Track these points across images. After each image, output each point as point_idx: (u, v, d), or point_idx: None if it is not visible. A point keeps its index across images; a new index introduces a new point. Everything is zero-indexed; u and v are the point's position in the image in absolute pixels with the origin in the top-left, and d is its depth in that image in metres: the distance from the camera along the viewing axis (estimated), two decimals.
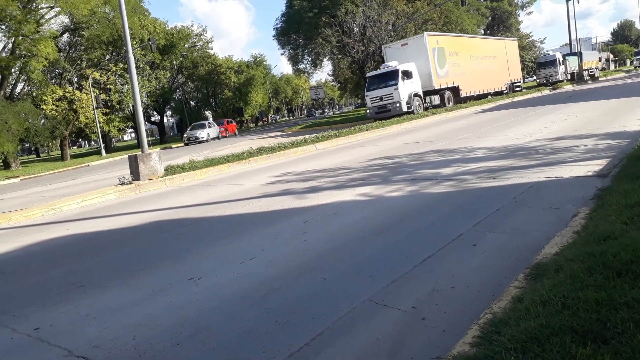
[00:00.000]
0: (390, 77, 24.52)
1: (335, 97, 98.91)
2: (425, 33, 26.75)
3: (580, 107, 15.85)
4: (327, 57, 47.18)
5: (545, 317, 2.19)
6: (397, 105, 23.69)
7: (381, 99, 24.35)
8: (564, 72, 44.10)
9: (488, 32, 67.01)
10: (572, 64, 46.23)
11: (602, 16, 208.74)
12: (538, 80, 46.25)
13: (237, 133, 44.74)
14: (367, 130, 18.08)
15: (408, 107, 23.97)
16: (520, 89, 36.29)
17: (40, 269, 5.23)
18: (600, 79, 44.12)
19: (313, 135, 17.45)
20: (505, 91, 33.73)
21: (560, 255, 2.99)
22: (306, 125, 37.84)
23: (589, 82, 41.20)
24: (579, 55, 47.69)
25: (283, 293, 3.52)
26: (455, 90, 27.98)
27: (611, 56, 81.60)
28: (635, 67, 59.84)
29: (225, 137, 40.00)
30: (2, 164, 33.52)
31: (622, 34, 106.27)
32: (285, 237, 4.99)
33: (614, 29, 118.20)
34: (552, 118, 13.48)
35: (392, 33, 38.38)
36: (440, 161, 8.67)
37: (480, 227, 4.40)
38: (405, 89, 24.22)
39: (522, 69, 48.75)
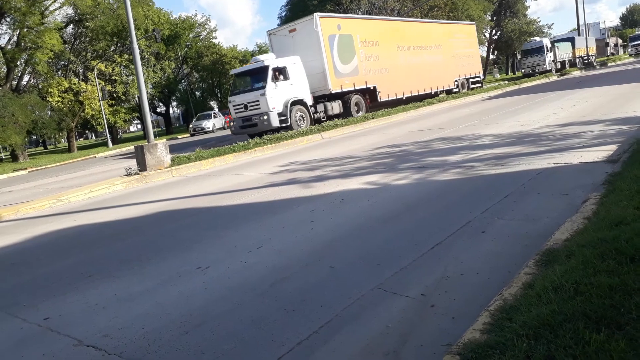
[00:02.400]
0: (258, 78, 17.47)
1: None
2: (317, 14, 18.73)
3: (589, 93, 15.66)
4: None
5: (557, 303, 2.16)
6: (265, 117, 16.65)
7: (246, 107, 17.15)
8: (553, 61, 40.26)
9: (495, 18, 66.32)
10: (563, 50, 42.91)
11: (610, 0, 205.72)
12: (523, 70, 41.91)
13: None
14: (373, 118, 17.97)
15: (282, 121, 16.99)
16: (479, 85, 29.49)
17: (50, 259, 5.26)
18: (609, 64, 43.46)
19: (318, 125, 17.37)
20: (456, 89, 26.87)
21: (571, 241, 2.95)
22: None
23: (597, 67, 40.53)
24: (572, 41, 45.08)
25: (291, 282, 3.51)
26: (370, 92, 20.90)
27: (620, 41, 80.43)
28: (631, 55, 53.33)
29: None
30: (10, 156, 33.67)
31: (632, 19, 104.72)
32: (292, 226, 4.97)
33: (622, 14, 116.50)
34: (560, 104, 13.34)
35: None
36: (447, 148, 8.61)
37: (489, 214, 4.36)
38: (279, 95, 17.02)
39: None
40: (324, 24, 18.62)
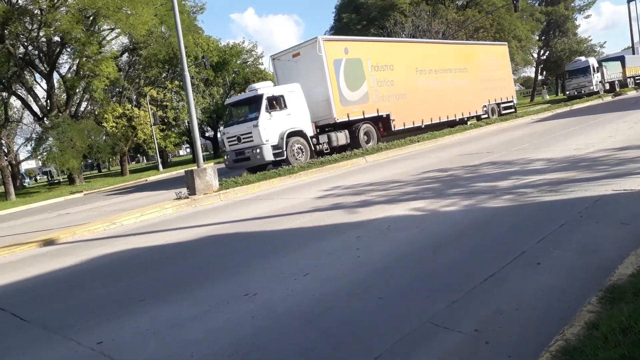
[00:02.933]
0: (251, 108, 16.32)
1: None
2: (320, 37, 17.28)
3: None
4: None
5: (627, 347, 2.02)
6: (257, 151, 15.26)
7: (239, 139, 15.76)
8: (600, 82, 37.90)
9: (543, 37, 64.85)
10: (612, 70, 40.44)
11: None
12: (568, 92, 39.25)
13: None
14: (418, 142, 17.80)
15: (277, 154, 15.61)
16: (512, 110, 27.07)
17: (104, 282, 5.43)
18: None
19: (362, 149, 17.35)
20: (485, 115, 24.73)
21: (638, 277, 2.78)
22: None
23: None
24: (622, 60, 42.81)
25: (338, 312, 3.46)
26: (383, 120, 19.26)
27: None
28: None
29: None
30: (67, 179, 35.38)
31: None
32: (338, 253, 4.94)
33: None
34: (615, 127, 12.78)
35: None
36: (497, 173, 8.38)
37: (544, 244, 4.18)
38: (274, 126, 15.74)
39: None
40: (328, 47, 17.37)
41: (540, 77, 70.25)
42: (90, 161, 61.46)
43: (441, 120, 21.92)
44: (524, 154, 10.23)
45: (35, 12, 28.30)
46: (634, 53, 45.13)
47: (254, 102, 16.10)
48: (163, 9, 31.33)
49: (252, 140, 15.54)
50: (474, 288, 3.47)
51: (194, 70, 40.69)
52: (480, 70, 25.00)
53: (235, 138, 16.12)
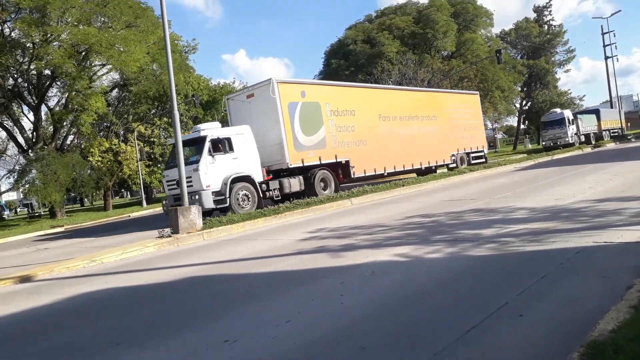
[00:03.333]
0: (194, 150, 15.33)
1: None
2: (274, 78, 16.60)
3: (625, 167, 15.36)
4: None
5: None
6: (196, 197, 14.05)
7: (177, 184, 13.28)
8: (576, 134, 38.33)
9: (525, 89, 66.94)
10: (587, 123, 41.06)
11: None
12: (544, 143, 39.82)
13: None
14: (403, 186, 17.97)
15: (219, 201, 14.55)
16: (483, 160, 26.52)
17: (80, 323, 5.28)
18: None
19: (348, 190, 17.45)
20: (453, 164, 24.30)
21: (619, 333, 2.80)
22: None
23: (632, 140, 39.94)
24: (597, 113, 43.48)
25: None
26: (343, 167, 18.36)
27: None
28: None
29: None
30: (48, 212, 34.76)
31: None
32: (321, 299, 4.89)
33: None
34: (595, 178, 13.10)
35: None
36: (481, 221, 8.47)
37: (527, 295, 4.20)
38: (218, 170, 14.71)
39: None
40: (283, 90, 16.59)
41: (522, 127, 72.13)
42: (73, 195, 60.65)
43: (406, 168, 21.30)
44: (507, 202, 10.38)
45: (28, 45, 28.56)
46: (611, 107, 46.68)
47: (197, 144, 15.16)
48: (155, 48, 31.83)
49: (191, 186, 14.15)
50: (457, 339, 3.45)
51: (183, 107, 40.99)
52: (450, 119, 24.69)
53: (174, 182, 14.52)
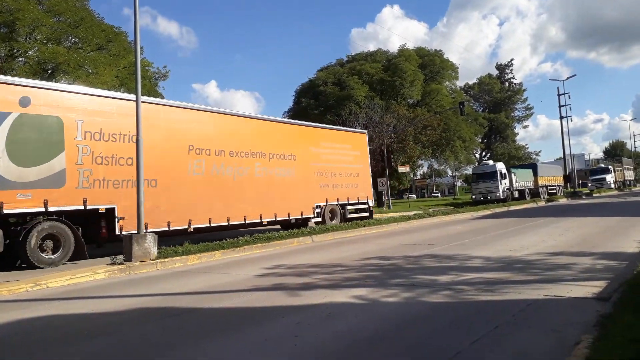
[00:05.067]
0: None
1: None
2: None
3: (577, 223, 16.02)
4: None
5: None
6: None
7: None
8: (508, 188, 36.90)
9: (485, 140, 69.68)
10: (523, 178, 40.01)
11: (595, 134, 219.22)
12: (473, 197, 38.12)
13: None
14: (364, 226, 18.12)
15: None
16: (367, 214, 21.75)
17: (17, 354, 4.96)
18: (594, 194, 44.95)
19: (309, 227, 17.42)
20: (318, 219, 19.40)
21: None
22: None
23: (584, 197, 41.78)
24: (534, 168, 43.07)
25: None
26: (107, 217, 12.81)
27: None
28: (591, 190, 51.31)
29: None
30: None
31: (614, 153, 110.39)
32: (275, 340, 4.78)
33: (606, 148, 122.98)
34: (548, 231, 13.58)
35: (393, 135, 39.83)
36: (437, 267, 8.59)
37: (479, 345, 4.25)
38: None
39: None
40: None
41: None
42: None
43: (231, 222, 15.84)
44: (464, 250, 10.59)
45: None
46: (565, 164, 48.82)
47: None
48: (125, 72, 31.55)
49: None
50: None
51: None
52: (317, 161, 19.61)
53: None
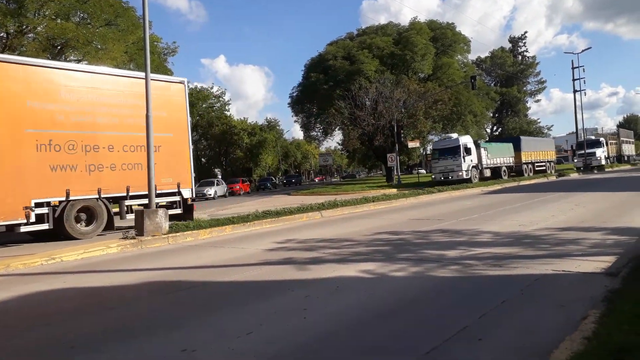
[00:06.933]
0: None
1: (343, 164, 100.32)
2: None
3: (588, 198, 15.90)
4: (338, 127, 48.39)
5: None
6: None
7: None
8: (475, 166, 31.26)
9: (497, 115, 68.87)
10: (498, 154, 34.55)
11: (610, 108, 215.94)
12: (433, 177, 32.32)
13: (250, 191, 47.90)
14: (373, 202, 18.15)
15: None
16: (179, 210, 14.69)
17: (33, 324, 5.09)
18: (607, 169, 44.41)
19: (319, 202, 17.49)
20: (42, 226, 11.84)
21: None
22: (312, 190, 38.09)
23: (595, 171, 41.28)
24: (516, 142, 37.51)
25: None
26: None
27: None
28: (578, 168, 43.92)
29: (240, 194, 43.11)
30: None
31: (628, 127, 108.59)
32: (284, 313, 4.86)
33: (619, 122, 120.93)
34: (559, 206, 13.50)
35: (403, 110, 39.46)
36: (446, 242, 8.60)
37: (486, 319, 4.28)
38: None
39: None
40: None
41: None
42: None
43: None
44: (473, 225, 10.58)
45: (1, 34, 27.76)
46: (577, 139, 48.12)
47: None
48: (134, 47, 31.39)
49: None
50: (418, 359, 3.49)
51: None
52: (53, 125, 12.26)
53: None
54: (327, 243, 9.38)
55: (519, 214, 12.46)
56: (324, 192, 31.18)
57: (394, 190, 27.09)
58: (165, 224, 11.55)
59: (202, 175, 49.85)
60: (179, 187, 14.68)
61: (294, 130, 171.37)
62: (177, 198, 14.73)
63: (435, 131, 47.91)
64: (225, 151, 61.35)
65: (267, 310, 4.99)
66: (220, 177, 53.80)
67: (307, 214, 14.99)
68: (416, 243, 8.77)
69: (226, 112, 58.06)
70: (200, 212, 19.41)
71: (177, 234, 11.38)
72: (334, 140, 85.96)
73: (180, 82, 15.46)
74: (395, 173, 38.55)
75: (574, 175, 37.37)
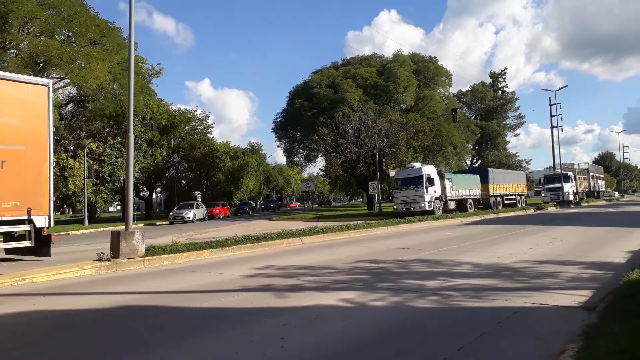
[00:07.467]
0: None
1: (325, 191, 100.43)
2: None
3: (565, 232, 16.13)
4: (321, 154, 48.69)
5: None
6: None
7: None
8: (438, 198, 29.28)
9: (476, 147, 70.03)
10: (464, 186, 32.63)
11: (586, 144, 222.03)
12: (395, 207, 30.56)
13: (229, 216, 46.97)
14: (354, 229, 18.14)
15: None
16: (28, 242, 11.86)
17: (1, 347, 4.89)
18: (582, 204, 45.27)
19: (300, 228, 17.41)
20: None
21: None
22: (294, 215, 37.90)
23: (572, 206, 42.05)
24: (483, 174, 35.51)
25: None
26: None
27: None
28: (546, 202, 43.69)
29: (219, 218, 42.38)
30: None
31: (604, 164, 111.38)
32: (261, 341, 4.76)
33: (595, 158, 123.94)
34: (536, 240, 13.65)
35: (385, 139, 39.92)
36: (426, 272, 8.60)
37: (465, 352, 4.25)
38: None
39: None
40: None
41: None
42: None
43: None
44: (452, 256, 10.61)
45: None
46: (554, 171, 48.93)
47: None
48: (118, 67, 31.39)
49: None
50: None
51: (139, 129, 40.19)
52: None
53: None
54: (307, 270, 9.29)
55: (498, 245, 12.56)
56: (305, 218, 31.01)
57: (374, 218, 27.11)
58: (142, 247, 11.32)
59: (182, 198, 49.28)
60: (29, 213, 11.71)
61: (276, 155, 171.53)
62: (25, 227, 11.84)
63: (416, 161, 48.48)
64: (207, 174, 60.98)
65: (244, 338, 4.88)
66: (200, 200, 53.23)
67: (287, 240, 14.88)
68: (396, 272, 8.74)
69: (209, 134, 57.96)
70: (178, 236, 19.11)
71: (154, 257, 11.16)
72: (316, 167, 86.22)
73: (43, 85, 12.49)
74: (377, 201, 38.69)
75: (552, 209, 37.98)
